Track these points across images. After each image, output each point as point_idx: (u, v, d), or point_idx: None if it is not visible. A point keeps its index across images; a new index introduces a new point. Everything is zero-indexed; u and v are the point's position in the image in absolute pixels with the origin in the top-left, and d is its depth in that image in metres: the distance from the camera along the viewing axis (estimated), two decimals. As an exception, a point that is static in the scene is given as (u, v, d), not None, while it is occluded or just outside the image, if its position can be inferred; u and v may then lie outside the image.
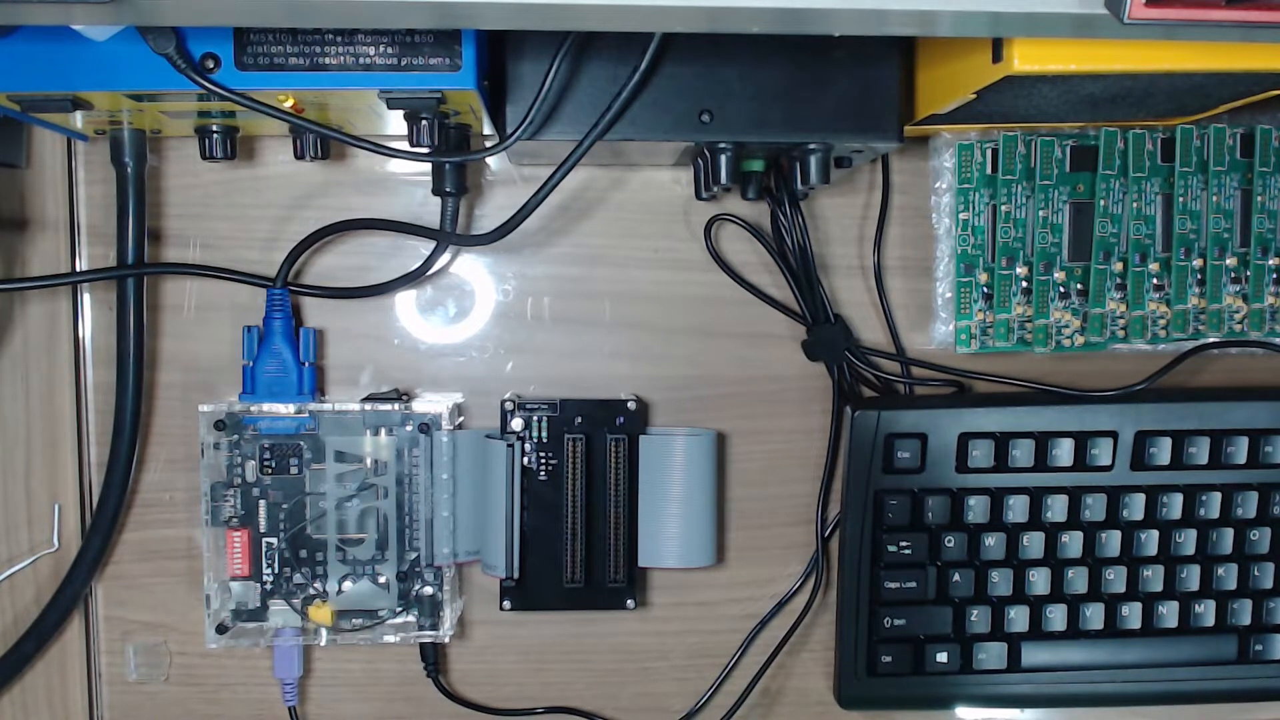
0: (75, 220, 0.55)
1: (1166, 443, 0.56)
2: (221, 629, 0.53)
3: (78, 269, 0.55)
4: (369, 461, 0.53)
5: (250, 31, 0.42)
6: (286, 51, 0.42)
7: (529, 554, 0.54)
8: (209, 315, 0.56)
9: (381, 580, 0.54)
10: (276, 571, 0.53)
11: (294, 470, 0.53)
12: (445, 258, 0.56)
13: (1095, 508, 0.56)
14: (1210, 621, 0.57)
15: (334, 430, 0.53)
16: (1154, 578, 0.56)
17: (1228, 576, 0.57)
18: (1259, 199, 0.57)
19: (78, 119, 0.48)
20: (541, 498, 0.54)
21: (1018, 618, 0.56)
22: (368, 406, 0.53)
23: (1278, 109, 0.56)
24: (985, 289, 0.56)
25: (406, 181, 0.56)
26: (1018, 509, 0.55)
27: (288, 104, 0.45)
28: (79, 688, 0.56)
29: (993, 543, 0.56)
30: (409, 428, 0.53)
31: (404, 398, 0.55)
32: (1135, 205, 0.56)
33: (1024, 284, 0.56)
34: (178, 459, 0.56)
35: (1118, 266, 0.57)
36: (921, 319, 0.59)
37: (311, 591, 0.54)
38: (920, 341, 0.59)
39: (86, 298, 0.55)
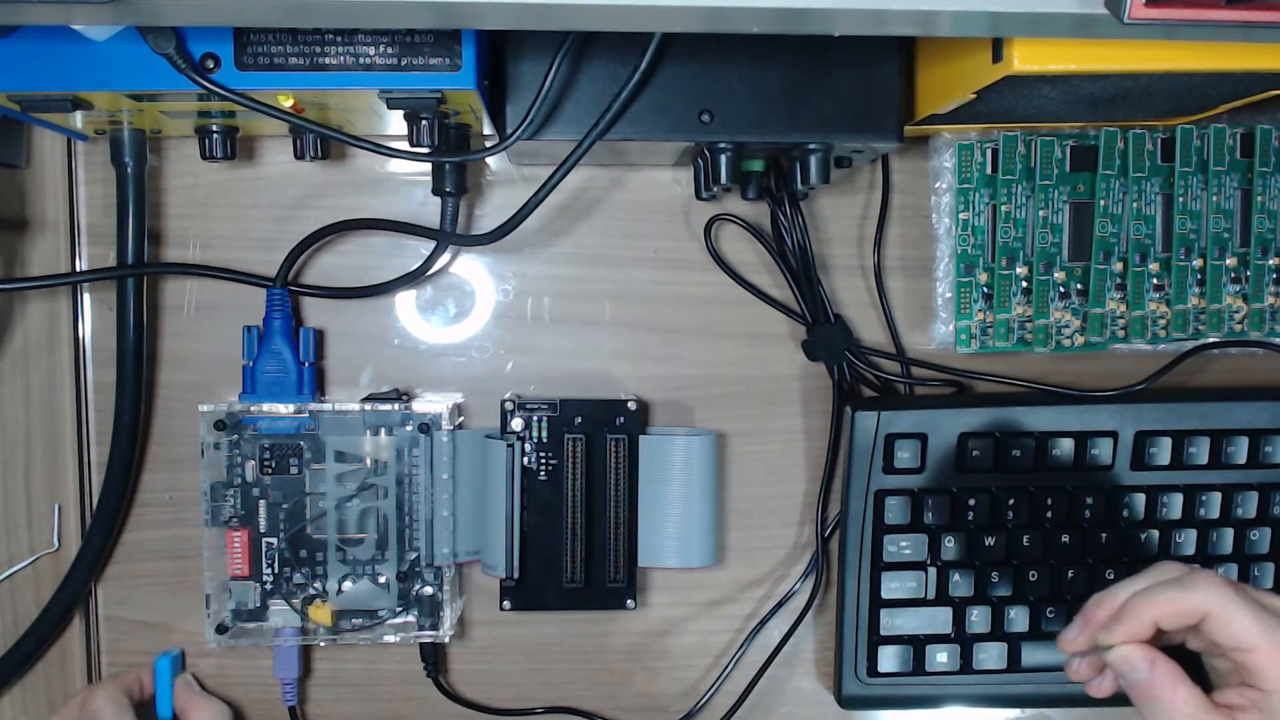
0: (75, 220, 0.55)
1: (1166, 443, 0.55)
2: (221, 629, 0.53)
3: (78, 269, 0.55)
4: (369, 461, 0.53)
5: (250, 31, 0.42)
6: (286, 51, 0.42)
7: (529, 554, 0.54)
8: (209, 315, 0.56)
9: (381, 580, 0.54)
10: (276, 571, 0.53)
11: (294, 470, 0.53)
12: (445, 258, 0.56)
13: (1095, 508, 0.56)
14: (1210, 621, 0.57)
15: (334, 430, 0.53)
16: (1154, 578, 0.56)
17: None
18: (1259, 199, 0.57)
19: (78, 119, 0.48)
20: (541, 498, 0.54)
21: (1018, 618, 0.56)
22: (368, 406, 0.53)
23: (1278, 109, 0.56)
24: (985, 289, 0.56)
25: (406, 181, 0.56)
26: (1018, 509, 0.55)
27: (288, 104, 0.45)
28: (79, 688, 0.56)
29: (993, 543, 0.56)
30: (409, 428, 0.53)
31: (404, 398, 0.55)
32: (1135, 205, 0.56)
33: (1024, 284, 0.56)
34: (178, 459, 0.56)
35: (1118, 266, 0.57)
36: (921, 319, 0.59)
37: (311, 591, 0.54)
38: (920, 341, 0.59)
39: (86, 298, 0.55)
